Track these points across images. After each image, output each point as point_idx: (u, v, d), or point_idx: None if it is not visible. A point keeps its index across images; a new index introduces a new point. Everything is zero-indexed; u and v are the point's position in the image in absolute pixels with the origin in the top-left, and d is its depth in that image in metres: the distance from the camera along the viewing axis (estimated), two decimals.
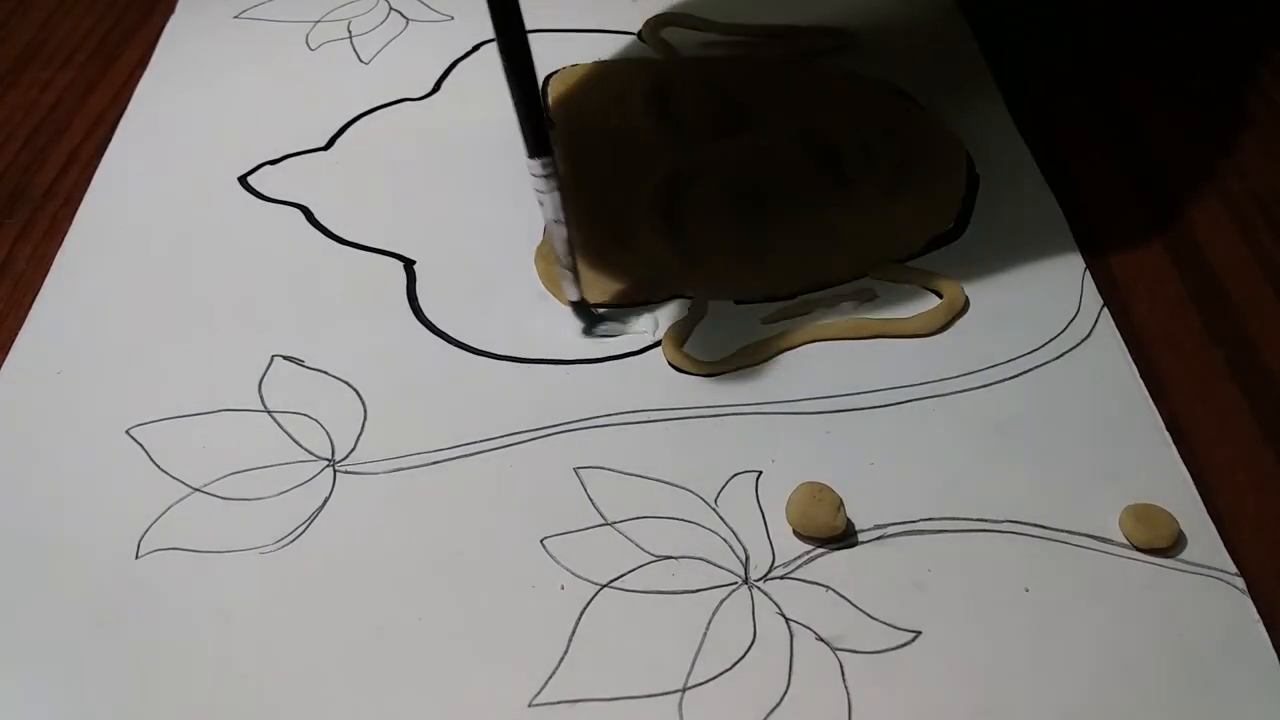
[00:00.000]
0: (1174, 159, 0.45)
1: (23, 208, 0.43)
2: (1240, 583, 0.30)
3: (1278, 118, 0.48)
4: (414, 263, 0.41)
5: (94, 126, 0.47)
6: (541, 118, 0.35)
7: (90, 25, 0.53)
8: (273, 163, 0.45)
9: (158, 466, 0.34)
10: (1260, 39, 0.52)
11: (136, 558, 0.32)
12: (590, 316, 0.38)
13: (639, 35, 0.52)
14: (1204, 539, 0.31)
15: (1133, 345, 0.37)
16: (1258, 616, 0.30)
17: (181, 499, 0.33)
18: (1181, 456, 0.34)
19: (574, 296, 0.38)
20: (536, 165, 0.35)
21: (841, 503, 0.32)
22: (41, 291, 0.40)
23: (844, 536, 0.32)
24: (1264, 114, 0.48)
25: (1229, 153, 0.46)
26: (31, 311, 0.39)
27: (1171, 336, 0.38)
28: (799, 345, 0.37)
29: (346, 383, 0.36)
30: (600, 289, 0.39)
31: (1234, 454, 0.34)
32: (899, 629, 0.30)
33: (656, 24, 0.52)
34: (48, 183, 0.45)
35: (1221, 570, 0.31)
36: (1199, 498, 0.32)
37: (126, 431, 0.35)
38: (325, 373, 0.37)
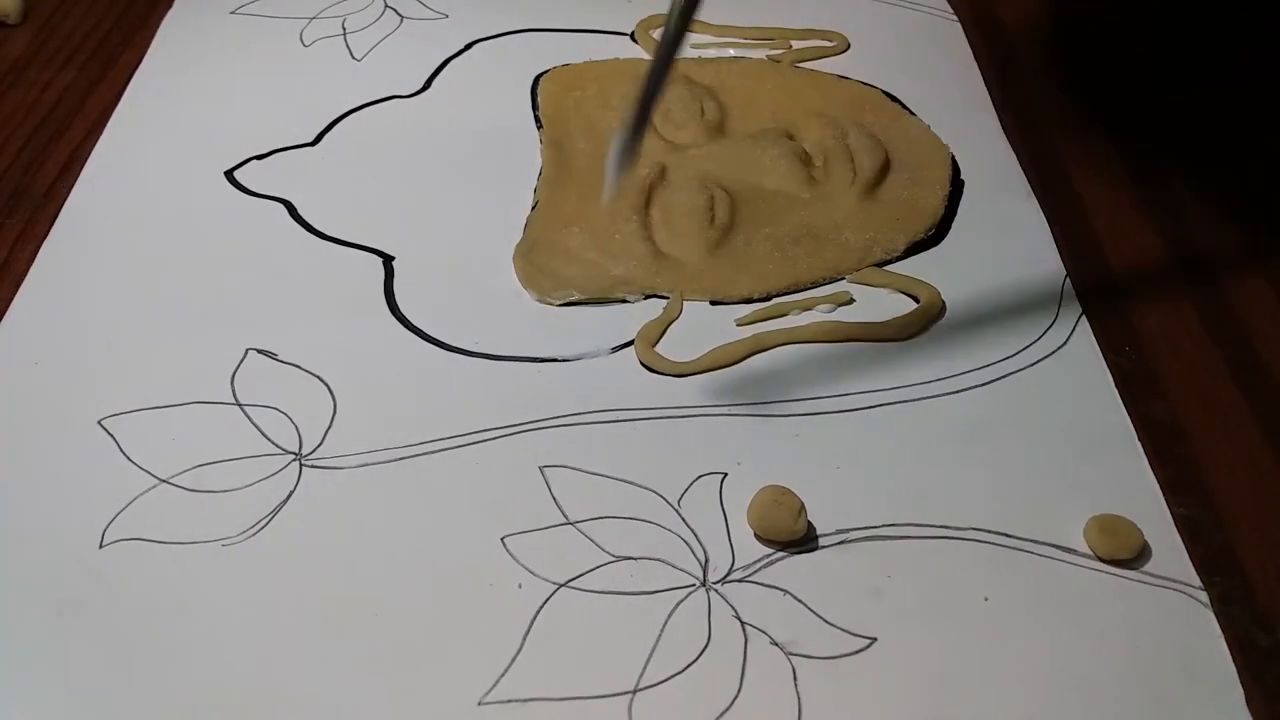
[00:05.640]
0: (1173, 159, 0.45)
1: (23, 208, 0.43)
2: (1204, 596, 0.30)
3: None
4: (393, 259, 0.41)
5: (94, 126, 0.47)
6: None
7: (90, 25, 0.53)
8: (259, 158, 0.45)
9: (127, 457, 0.34)
10: (1257, 36, 0.51)
11: (100, 548, 0.32)
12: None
13: (631, 36, 0.52)
14: (1169, 551, 0.31)
15: (1133, 345, 0.37)
16: (1219, 632, 0.29)
17: (148, 490, 0.33)
18: (1181, 456, 0.34)
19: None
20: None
21: (803, 507, 0.32)
22: (24, 284, 0.40)
23: (805, 541, 0.31)
24: (1264, 114, 0.47)
25: (1229, 152, 0.45)
26: (13, 303, 0.39)
27: (1171, 336, 0.38)
28: (772, 347, 0.37)
29: (318, 377, 0.37)
30: (576, 286, 0.39)
31: (1234, 454, 0.34)
32: (854, 635, 0.29)
33: (649, 24, 0.52)
34: (48, 183, 0.44)
35: (1185, 584, 0.30)
36: (1167, 509, 0.32)
37: (98, 422, 0.35)
38: (298, 366, 0.37)
